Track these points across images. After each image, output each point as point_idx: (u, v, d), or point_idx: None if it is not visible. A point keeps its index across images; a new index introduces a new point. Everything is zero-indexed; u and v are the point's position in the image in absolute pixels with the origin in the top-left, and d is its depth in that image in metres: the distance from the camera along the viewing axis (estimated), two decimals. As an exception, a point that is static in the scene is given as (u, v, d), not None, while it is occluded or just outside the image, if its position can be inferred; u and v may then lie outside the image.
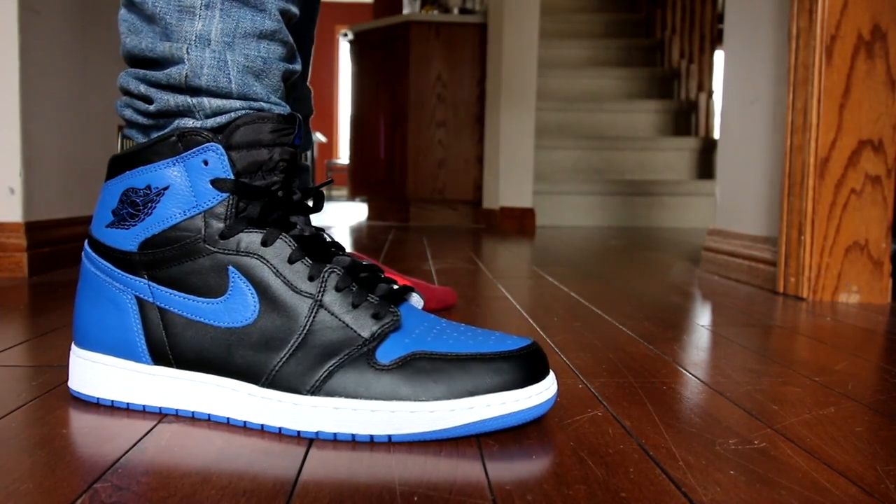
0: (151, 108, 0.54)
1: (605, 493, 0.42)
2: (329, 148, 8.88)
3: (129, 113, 0.56)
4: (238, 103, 0.54)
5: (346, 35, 3.54)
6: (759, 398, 0.61)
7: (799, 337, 0.89)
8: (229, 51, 0.53)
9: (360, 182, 3.49)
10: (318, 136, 7.21)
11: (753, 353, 0.78)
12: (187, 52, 0.52)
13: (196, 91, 0.53)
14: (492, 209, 3.02)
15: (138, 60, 0.55)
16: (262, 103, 0.54)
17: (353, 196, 3.61)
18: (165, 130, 0.54)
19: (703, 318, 1.01)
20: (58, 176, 1.34)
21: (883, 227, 1.17)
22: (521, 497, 0.41)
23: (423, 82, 3.17)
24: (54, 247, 1.30)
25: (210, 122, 0.53)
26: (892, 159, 1.16)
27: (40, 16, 1.26)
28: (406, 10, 3.68)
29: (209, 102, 0.53)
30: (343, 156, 8.52)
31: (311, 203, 0.61)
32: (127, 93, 0.56)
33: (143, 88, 0.54)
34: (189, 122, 0.53)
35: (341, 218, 3.48)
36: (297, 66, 0.59)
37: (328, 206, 4.73)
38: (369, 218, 3.44)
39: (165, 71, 0.53)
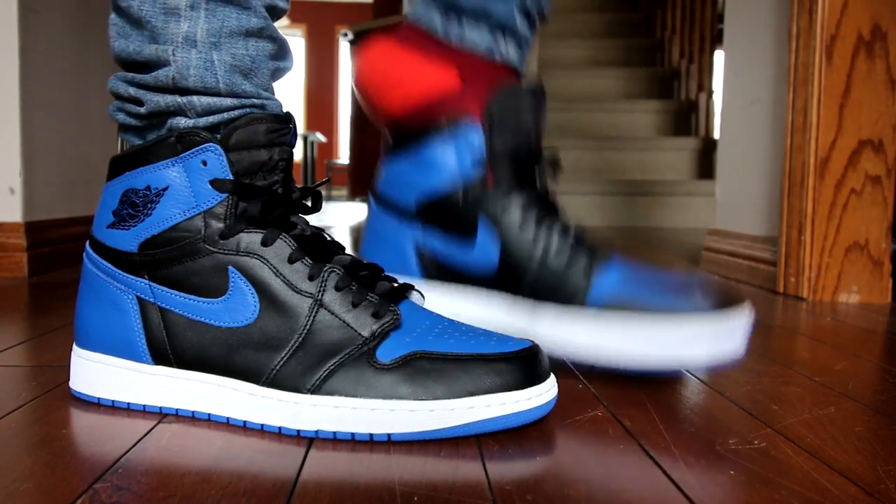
0: (142, 109, 0.54)
1: (605, 493, 0.42)
2: (329, 148, 8.88)
3: (121, 116, 0.56)
4: (229, 101, 0.53)
5: (346, 35, 3.54)
6: (759, 398, 0.61)
7: (799, 337, 0.89)
8: (216, 51, 0.53)
9: (360, 182, 3.49)
10: (318, 136, 7.21)
11: (753, 353, 0.78)
12: (173, 55, 0.52)
13: (185, 91, 0.53)
14: (492, 209, 3.02)
15: (127, 64, 0.55)
16: (254, 100, 0.55)
17: (353, 196, 3.61)
18: (161, 131, 0.55)
19: (703, 318, 1.01)
20: (58, 176, 1.34)
21: (883, 227, 1.17)
22: (521, 497, 0.41)
23: (423, 82, 3.16)
24: (54, 247, 1.30)
25: (203, 121, 0.53)
26: (892, 159, 1.16)
27: (40, 16, 1.26)
28: (406, 10, 3.68)
29: (199, 101, 0.53)
30: (343, 156, 8.51)
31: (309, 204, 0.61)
32: (118, 96, 0.56)
33: (132, 91, 0.54)
34: (182, 122, 0.53)
35: (341, 218, 3.48)
36: (289, 64, 0.59)
37: (328, 206, 4.73)
38: (369, 218, 3.43)
39: (153, 73, 0.53)
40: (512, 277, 0.65)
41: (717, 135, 3.63)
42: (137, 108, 0.55)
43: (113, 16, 0.55)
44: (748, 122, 1.42)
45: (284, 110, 0.57)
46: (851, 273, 1.17)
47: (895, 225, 1.20)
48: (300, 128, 8.63)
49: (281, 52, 0.57)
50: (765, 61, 1.36)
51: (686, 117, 3.75)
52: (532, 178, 0.67)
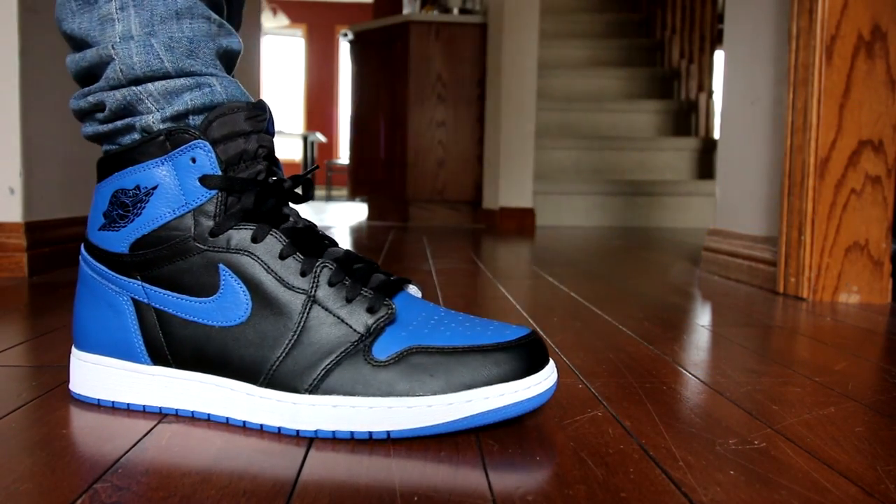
0: (106, 112, 0.55)
1: (605, 493, 0.42)
2: (329, 148, 8.88)
3: (91, 129, 0.57)
4: (182, 81, 0.54)
5: (346, 35, 3.54)
6: (759, 398, 0.61)
7: (799, 337, 0.89)
8: (152, 37, 0.54)
9: (360, 182, 3.49)
10: (318, 136, 7.21)
11: (753, 353, 0.78)
12: (113, 48, 0.53)
13: (137, 81, 0.54)
14: (492, 209, 3.02)
15: (81, 78, 0.57)
16: (207, 77, 0.55)
17: (353, 196, 3.61)
18: (134, 134, 0.55)
19: (703, 318, 1.01)
20: (58, 176, 1.34)
21: (883, 227, 1.17)
22: (521, 497, 0.41)
23: (423, 82, 3.17)
24: (54, 247, 1.30)
25: (169, 111, 0.53)
26: (892, 159, 1.16)
27: (40, 16, 1.26)
28: (406, 10, 3.68)
29: (154, 87, 0.54)
30: (343, 156, 8.51)
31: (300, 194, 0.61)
32: (81, 113, 0.57)
33: (91, 99, 0.56)
34: (148, 119, 0.54)
35: (341, 218, 3.48)
36: (234, 45, 0.58)
37: (328, 206, 4.73)
38: (369, 218, 3.44)
39: (104, 77, 0.54)
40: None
41: (717, 135, 3.63)
42: (102, 113, 0.56)
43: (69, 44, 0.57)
44: (748, 122, 1.42)
45: (255, 99, 0.57)
46: (851, 273, 1.17)
47: (895, 225, 1.20)
48: (300, 128, 8.63)
49: (222, 32, 0.57)
50: (765, 61, 1.36)
51: (686, 117, 3.75)
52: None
